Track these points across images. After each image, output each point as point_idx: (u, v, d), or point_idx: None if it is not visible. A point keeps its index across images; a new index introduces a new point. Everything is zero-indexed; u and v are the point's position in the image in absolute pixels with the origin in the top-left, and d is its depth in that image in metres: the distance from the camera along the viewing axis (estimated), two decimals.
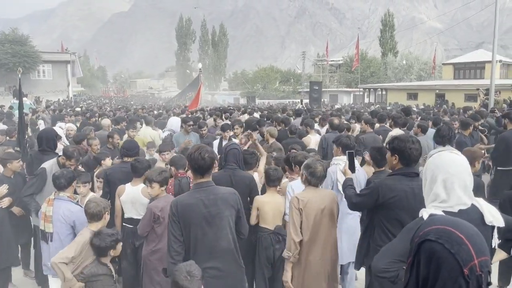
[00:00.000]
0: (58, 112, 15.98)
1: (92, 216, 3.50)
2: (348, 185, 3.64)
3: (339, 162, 4.40)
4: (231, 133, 7.44)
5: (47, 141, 5.30)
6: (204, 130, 8.18)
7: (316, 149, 6.44)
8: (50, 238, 3.75)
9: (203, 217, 3.00)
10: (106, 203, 3.68)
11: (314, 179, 3.55)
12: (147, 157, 6.25)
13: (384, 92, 41.91)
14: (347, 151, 4.18)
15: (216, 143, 7.34)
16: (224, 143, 7.02)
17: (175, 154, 5.50)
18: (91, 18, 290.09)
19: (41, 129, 9.88)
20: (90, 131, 7.91)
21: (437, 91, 34.31)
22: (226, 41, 77.78)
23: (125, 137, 7.89)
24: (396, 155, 3.17)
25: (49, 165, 4.81)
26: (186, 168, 4.62)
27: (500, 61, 36.81)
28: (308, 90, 27.53)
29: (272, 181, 4.23)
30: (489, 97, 13.38)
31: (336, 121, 7.24)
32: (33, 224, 5.08)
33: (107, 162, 5.58)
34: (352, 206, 3.57)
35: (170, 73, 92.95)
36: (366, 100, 42.55)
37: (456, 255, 1.34)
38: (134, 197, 4.40)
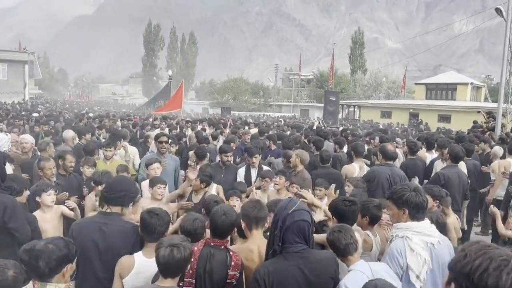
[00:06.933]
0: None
1: None
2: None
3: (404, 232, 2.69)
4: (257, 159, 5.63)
5: None
6: (230, 155, 5.69)
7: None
8: None
9: None
10: None
11: None
12: None
13: (356, 109, 41.79)
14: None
15: (242, 172, 5.55)
16: (253, 172, 5.44)
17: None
18: (52, 20, 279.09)
19: None
20: (47, 145, 5.75)
21: (411, 110, 34.44)
22: (195, 49, 76.01)
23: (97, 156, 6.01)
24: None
25: None
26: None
27: (472, 83, 37.56)
28: (321, 101, 24.22)
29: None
30: (496, 121, 12.66)
31: (390, 147, 5.33)
32: None
33: (24, 195, 3.81)
34: None
35: (135, 79, 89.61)
36: (339, 117, 42.21)
37: None
38: None
